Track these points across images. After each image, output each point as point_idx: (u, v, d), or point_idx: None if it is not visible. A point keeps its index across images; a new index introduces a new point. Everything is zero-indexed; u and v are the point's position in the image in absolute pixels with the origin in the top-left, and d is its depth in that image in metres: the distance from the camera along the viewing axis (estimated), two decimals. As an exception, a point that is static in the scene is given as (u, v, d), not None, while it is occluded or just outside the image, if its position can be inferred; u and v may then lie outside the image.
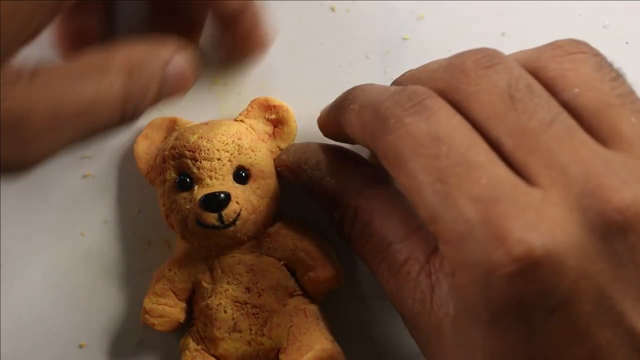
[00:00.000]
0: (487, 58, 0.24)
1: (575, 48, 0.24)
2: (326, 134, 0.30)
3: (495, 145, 0.22)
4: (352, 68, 0.34)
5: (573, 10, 0.34)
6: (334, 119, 0.28)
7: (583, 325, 0.20)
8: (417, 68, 0.27)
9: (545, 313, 0.20)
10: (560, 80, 0.23)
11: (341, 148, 0.30)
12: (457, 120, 0.22)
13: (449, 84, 0.24)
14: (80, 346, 0.34)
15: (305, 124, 0.32)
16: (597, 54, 0.24)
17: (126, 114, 0.24)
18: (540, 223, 0.20)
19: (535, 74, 0.24)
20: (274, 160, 0.31)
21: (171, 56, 0.24)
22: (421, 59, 0.34)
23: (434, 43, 0.35)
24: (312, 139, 0.31)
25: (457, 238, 0.21)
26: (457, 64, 0.24)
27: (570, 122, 0.22)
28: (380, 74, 0.34)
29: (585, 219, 0.20)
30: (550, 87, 0.23)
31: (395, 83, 0.28)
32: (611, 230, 0.20)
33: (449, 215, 0.21)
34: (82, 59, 0.23)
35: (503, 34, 0.35)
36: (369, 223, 0.26)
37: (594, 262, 0.20)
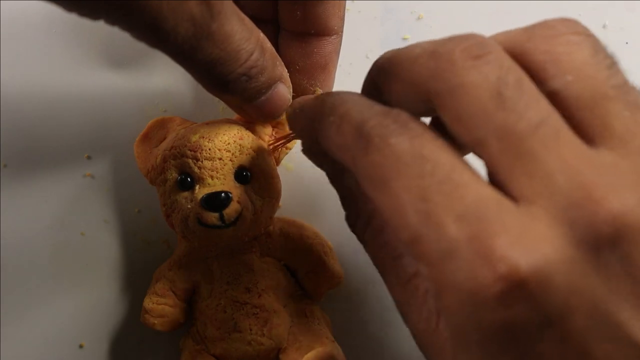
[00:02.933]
0: (477, 47, 0.22)
1: (569, 28, 0.23)
2: (294, 131, 0.29)
3: (478, 146, 0.21)
4: (352, 68, 0.34)
5: (573, 10, 0.34)
6: (306, 123, 0.27)
7: (579, 342, 0.19)
8: (398, 50, 0.25)
9: (538, 333, 0.19)
10: (552, 65, 0.22)
11: None
12: (441, 141, 0.22)
13: (434, 73, 0.23)
14: (80, 346, 0.34)
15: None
16: (590, 35, 0.23)
17: (246, 73, 0.26)
18: (525, 240, 0.19)
19: (524, 56, 0.23)
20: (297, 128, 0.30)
21: (284, 77, 0.28)
22: (421, 59, 0.35)
23: (434, 43, 0.35)
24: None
25: (441, 258, 0.20)
26: (444, 52, 0.23)
27: (559, 123, 0.21)
28: (380, 74, 0.34)
29: (572, 233, 0.20)
30: (540, 72, 0.22)
31: (375, 66, 0.27)
32: (601, 242, 0.19)
33: (433, 235, 0.20)
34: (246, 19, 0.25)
35: (503, 34, 0.35)
36: (382, 231, 0.26)
37: (585, 276, 0.19)
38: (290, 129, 0.29)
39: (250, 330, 0.30)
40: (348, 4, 0.34)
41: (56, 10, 0.23)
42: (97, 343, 0.34)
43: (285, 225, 0.32)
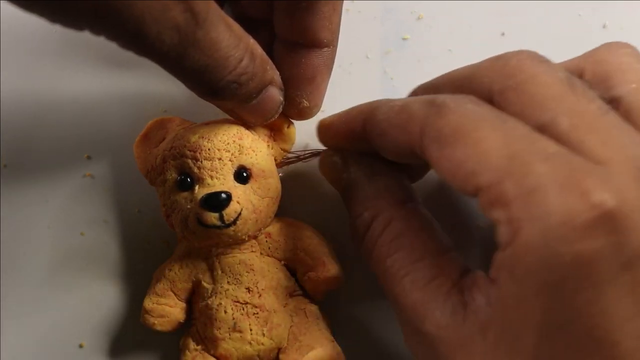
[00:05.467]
0: (538, 55, 0.25)
1: (623, 47, 0.26)
2: (330, 141, 0.30)
3: (548, 125, 0.23)
4: (352, 68, 0.34)
5: (573, 10, 0.34)
6: (350, 125, 0.28)
7: None
8: (440, 77, 0.28)
9: (616, 272, 0.20)
10: (616, 74, 0.24)
11: (380, 157, 0.29)
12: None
13: (501, 72, 0.24)
14: (80, 346, 0.34)
15: (305, 124, 0.32)
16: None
17: (235, 79, 0.26)
18: (610, 184, 0.20)
19: (590, 67, 0.25)
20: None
21: (275, 80, 0.28)
22: (421, 58, 0.35)
23: (434, 43, 0.35)
24: (312, 138, 0.31)
25: (528, 193, 0.21)
26: (509, 56, 0.25)
27: (619, 117, 0.23)
28: (380, 74, 0.34)
29: None
30: (604, 81, 0.24)
31: (420, 91, 0.29)
32: None
33: (519, 173, 0.21)
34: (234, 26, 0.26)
35: (503, 34, 0.35)
36: (401, 235, 0.26)
37: None
38: (323, 140, 0.30)
39: (251, 330, 0.30)
40: (348, 4, 0.34)
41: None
42: (97, 343, 0.34)
43: (285, 225, 0.32)
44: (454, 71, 0.27)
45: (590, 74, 0.25)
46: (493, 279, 0.22)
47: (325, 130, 0.30)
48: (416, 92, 0.29)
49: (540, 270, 0.21)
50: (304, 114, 0.31)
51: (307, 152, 0.32)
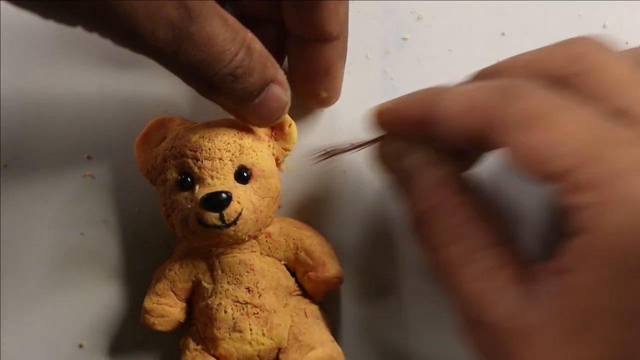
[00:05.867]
0: (603, 42, 0.25)
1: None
2: (391, 126, 0.29)
3: (621, 115, 0.22)
4: (352, 68, 0.34)
5: (573, 10, 0.34)
6: (412, 110, 0.27)
7: None
8: (514, 58, 0.27)
9: None
10: None
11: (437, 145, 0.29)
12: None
13: (575, 57, 0.24)
14: (80, 346, 0.34)
15: (305, 124, 0.32)
16: None
17: (231, 72, 0.26)
18: None
19: None
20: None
21: (278, 79, 0.28)
22: (421, 58, 0.35)
23: (434, 43, 0.35)
24: (312, 138, 0.31)
25: (612, 175, 0.21)
26: (579, 42, 0.25)
27: None
28: (380, 74, 0.34)
29: None
30: None
31: (483, 76, 0.28)
32: None
33: (602, 156, 0.21)
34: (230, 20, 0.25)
35: (503, 34, 0.35)
36: (465, 223, 0.26)
37: None
38: (383, 124, 0.28)
39: (251, 330, 0.30)
40: (348, 3, 0.34)
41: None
42: (97, 343, 0.34)
43: (285, 225, 0.32)
44: (518, 56, 0.27)
45: None
46: (565, 267, 0.22)
47: (385, 115, 0.29)
48: (479, 77, 0.28)
49: (624, 254, 0.20)
50: (324, 104, 0.32)
51: (361, 141, 0.30)
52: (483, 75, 0.28)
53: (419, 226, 0.27)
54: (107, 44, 0.23)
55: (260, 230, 0.30)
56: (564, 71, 0.24)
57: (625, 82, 0.23)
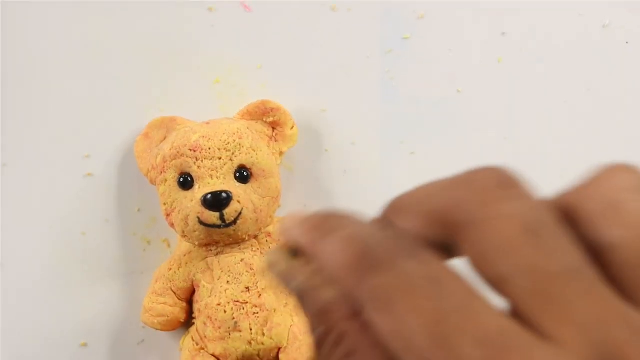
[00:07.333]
0: (508, 179, 0.21)
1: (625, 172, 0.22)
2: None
3: (502, 283, 0.20)
4: (352, 68, 0.34)
5: (573, 10, 0.34)
6: (304, 238, 0.26)
7: None
8: (414, 188, 0.24)
9: None
10: (610, 214, 0.21)
11: None
12: (453, 270, 0.21)
13: (459, 203, 0.21)
14: (81, 345, 0.34)
15: (305, 124, 0.32)
16: None
17: None
18: None
19: (570, 203, 0.21)
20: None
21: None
22: (421, 58, 0.35)
23: (434, 42, 0.35)
24: (312, 138, 0.31)
25: None
26: (471, 181, 0.21)
27: (593, 276, 0.20)
28: (380, 73, 0.34)
29: None
30: (591, 221, 0.20)
31: (388, 204, 0.25)
32: None
33: (443, 357, 0.19)
34: None
35: (503, 34, 0.35)
36: (354, 354, 0.24)
37: None
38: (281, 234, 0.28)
39: (251, 329, 0.30)
40: (348, 4, 0.34)
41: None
42: (97, 342, 0.34)
43: (286, 225, 0.32)
44: (415, 190, 0.24)
45: (573, 210, 0.21)
46: None
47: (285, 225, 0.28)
48: (383, 213, 0.26)
49: None
50: None
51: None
52: (386, 212, 0.25)
53: (317, 348, 0.26)
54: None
55: (260, 229, 0.30)
56: (453, 217, 0.21)
57: (508, 248, 0.20)
